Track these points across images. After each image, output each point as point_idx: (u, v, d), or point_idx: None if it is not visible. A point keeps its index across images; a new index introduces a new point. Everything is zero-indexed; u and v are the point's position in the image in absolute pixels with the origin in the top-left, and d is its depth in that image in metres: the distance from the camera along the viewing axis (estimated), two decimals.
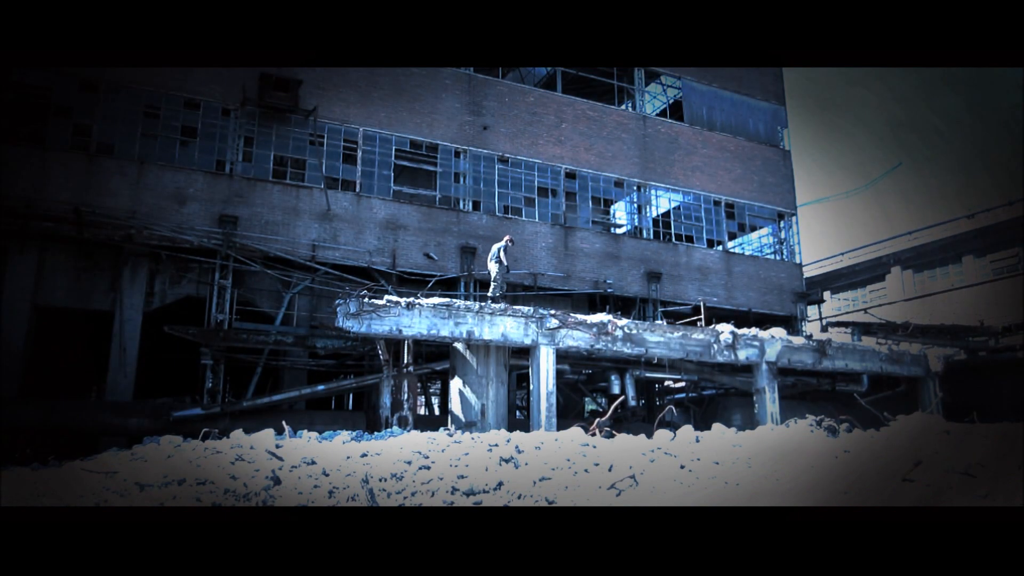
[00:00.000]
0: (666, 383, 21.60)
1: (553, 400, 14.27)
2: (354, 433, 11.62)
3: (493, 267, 16.47)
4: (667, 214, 22.95)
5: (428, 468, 8.28)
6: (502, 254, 16.39)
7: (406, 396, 14.23)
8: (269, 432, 10.02)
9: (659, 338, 15.60)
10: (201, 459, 8.18)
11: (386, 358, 14.31)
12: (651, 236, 22.19)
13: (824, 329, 23.62)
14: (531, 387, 14.55)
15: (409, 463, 8.41)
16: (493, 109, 20.56)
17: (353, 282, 17.02)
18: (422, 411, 22.57)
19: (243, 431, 10.33)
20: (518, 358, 15.37)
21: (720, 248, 23.31)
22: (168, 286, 16.30)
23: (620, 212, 24.83)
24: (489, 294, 16.42)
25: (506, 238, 16.94)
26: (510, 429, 12.74)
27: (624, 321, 15.30)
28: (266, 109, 17.50)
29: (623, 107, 24.12)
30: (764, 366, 16.68)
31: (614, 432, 12.12)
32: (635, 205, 22.53)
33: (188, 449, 8.94)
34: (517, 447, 9.53)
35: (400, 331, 13.31)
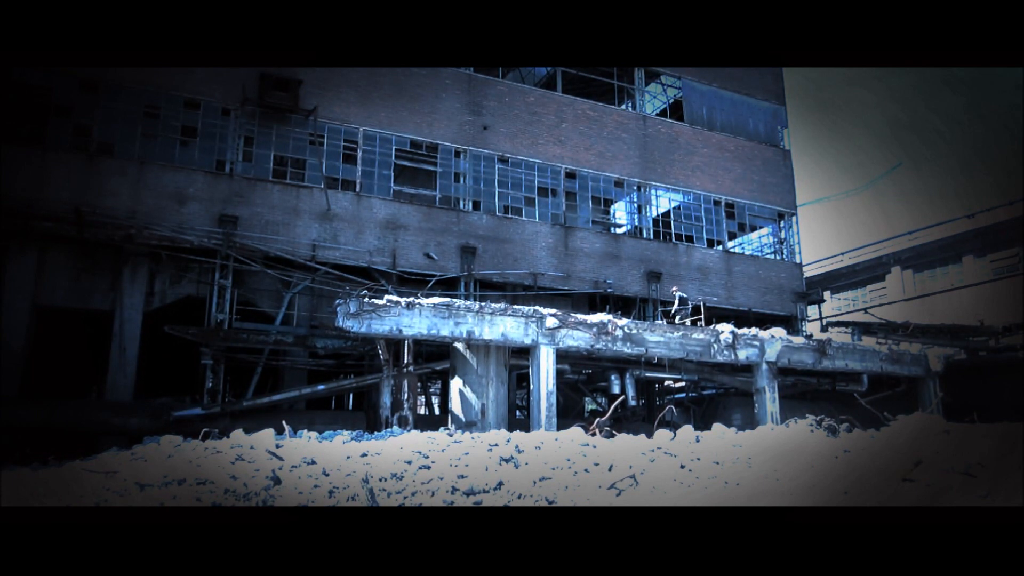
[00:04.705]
0: (666, 383, 21.59)
1: (553, 400, 14.27)
2: (354, 433, 11.61)
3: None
4: (667, 214, 22.95)
5: (428, 468, 8.28)
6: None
7: (406, 396, 14.23)
8: (269, 432, 10.01)
9: (659, 338, 15.59)
10: (201, 459, 8.17)
11: (386, 358, 14.31)
12: (651, 236, 22.19)
13: (824, 329, 23.63)
14: (531, 387, 14.55)
15: (409, 463, 8.40)
16: (493, 109, 20.55)
17: (353, 282, 17.02)
18: (422, 411, 22.56)
19: (243, 431, 10.30)
20: (518, 358, 15.36)
21: (720, 248, 23.31)
22: (168, 286, 16.30)
23: (620, 212, 24.83)
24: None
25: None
26: (510, 429, 12.73)
27: (624, 321, 15.30)
28: (266, 109, 17.50)
29: (623, 107, 24.11)
30: (764, 366, 16.68)
31: (614, 432, 12.11)
32: (635, 205, 22.52)
33: (188, 449, 8.93)
34: (517, 447, 9.52)
35: (400, 331, 13.31)
